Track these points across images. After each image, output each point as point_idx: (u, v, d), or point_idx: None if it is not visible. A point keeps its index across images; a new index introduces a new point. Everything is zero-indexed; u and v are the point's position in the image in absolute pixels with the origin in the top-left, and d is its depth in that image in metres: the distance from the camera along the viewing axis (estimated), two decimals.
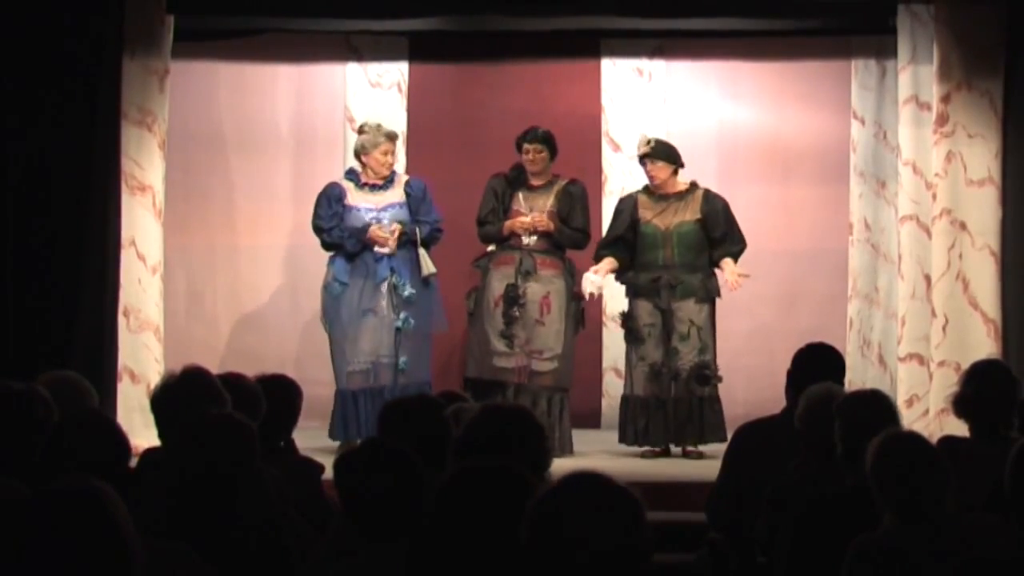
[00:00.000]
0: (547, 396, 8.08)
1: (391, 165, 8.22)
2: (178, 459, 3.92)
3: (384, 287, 8.04)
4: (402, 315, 8.03)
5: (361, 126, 8.35)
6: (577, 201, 8.23)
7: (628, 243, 8.15)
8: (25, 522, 2.42)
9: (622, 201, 8.34)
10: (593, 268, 8.10)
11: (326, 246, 8.19)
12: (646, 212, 8.14)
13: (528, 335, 8.06)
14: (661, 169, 8.11)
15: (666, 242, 8.08)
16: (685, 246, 8.08)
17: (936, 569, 3.66)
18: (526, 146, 8.18)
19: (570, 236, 8.21)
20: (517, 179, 8.24)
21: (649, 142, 8.13)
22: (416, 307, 8.06)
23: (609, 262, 8.15)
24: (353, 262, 8.09)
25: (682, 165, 8.18)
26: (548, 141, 8.20)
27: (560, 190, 8.23)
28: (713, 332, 8.10)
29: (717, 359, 8.11)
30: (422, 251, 8.08)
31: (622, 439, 8.13)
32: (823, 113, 9.52)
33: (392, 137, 8.24)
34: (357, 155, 8.24)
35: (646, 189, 8.23)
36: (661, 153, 8.10)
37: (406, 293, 8.03)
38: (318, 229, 8.17)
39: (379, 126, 8.25)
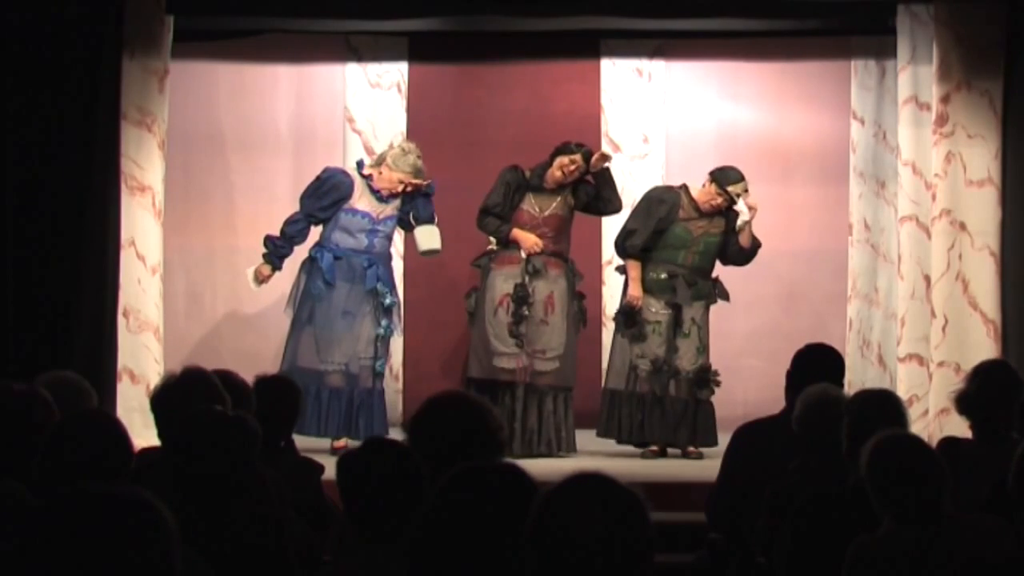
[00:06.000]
0: (552, 395, 8.08)
1: (393, 191, 8.16)
2: (178, 458, 3.92)
3: (371, 294, 8.10)
4: (383, 322, 8.13)
5: (403, 143, 8.35)
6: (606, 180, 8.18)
7: (656, 236, 8.12)
8: (58, 526, 2.41)
9: (667, 194, 8.22)
10: (744, 197, 8.05)
11: (291, 229, 8.16)
12: (683, 213, 8.14)
13: (532, 334, 8.05)
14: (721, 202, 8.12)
15: (692, 246, 8.11)
16: (707, 255, 8.16)
17: (936, 570, 3.66)
18: (576, 156, 8.06)
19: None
20: (532, 182, 8.16)
21: (747, 189, 8.11)
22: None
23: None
24: (339, 262, 8.09)
25: None
26: (588, 162, 8.14)
27: (571, 190, 8.17)
28: (707, 332, 8.15)
29: (717, 360, 8.14)
30: (426, 227, 8.17)
31: (603, 433, 8.14)
32: (823, 113, 9.53)
33: (418, 173, 8.18)
34: (380, 160, 8.22)
35: (687, 192, 8.20)
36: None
37: (387, 301, 8.14)
38: (308, 215, 8.16)
39: (419, 155, 8.21)
